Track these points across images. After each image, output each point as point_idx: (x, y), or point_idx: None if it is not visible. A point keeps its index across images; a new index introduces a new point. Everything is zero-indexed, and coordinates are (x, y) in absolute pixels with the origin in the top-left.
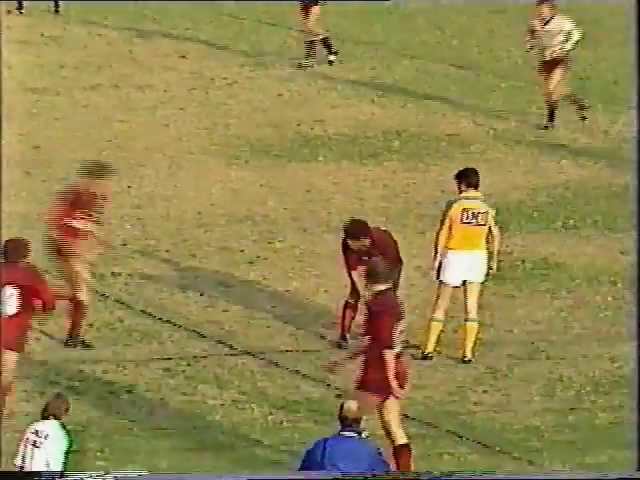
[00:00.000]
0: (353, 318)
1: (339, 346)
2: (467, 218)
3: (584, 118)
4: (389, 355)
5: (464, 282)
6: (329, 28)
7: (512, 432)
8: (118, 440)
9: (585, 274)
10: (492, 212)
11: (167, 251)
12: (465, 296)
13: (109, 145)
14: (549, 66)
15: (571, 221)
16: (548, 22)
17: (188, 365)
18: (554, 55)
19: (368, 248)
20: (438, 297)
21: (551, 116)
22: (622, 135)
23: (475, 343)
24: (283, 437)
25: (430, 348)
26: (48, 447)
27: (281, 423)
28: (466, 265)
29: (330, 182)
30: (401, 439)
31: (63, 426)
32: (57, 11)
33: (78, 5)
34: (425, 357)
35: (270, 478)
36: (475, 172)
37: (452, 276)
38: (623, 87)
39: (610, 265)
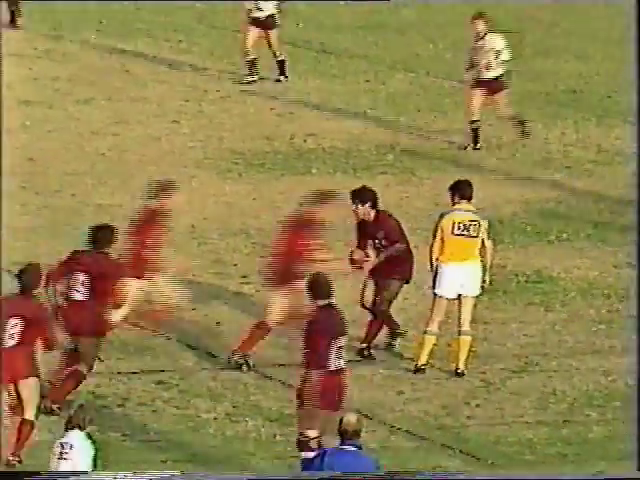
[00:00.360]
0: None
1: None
2: (458, 230)
3: (467, 146)
4: (313, 375)
5: (459, 295)
6: (323, 42)
7: (505, 445)
8: (110, 453)
9: (579, 287)
10: (484, 224)
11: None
12: (459, 309)
13: (102, 158)
14: (483, 83)
15: (564, 234)
16: (482, 38)
17: (181, 378)
18: (488, 74)
19: (373, 230)
20: (433, 310)
21: (522, 128)
22: (615, 148)
23: (468, 356)
24: (276, 450)
25: (423, 361)
26: (74, 457)
27: (274, 436)
28: (460, 277)
29: None
30: None
31: (88, 436)
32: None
33: (71, 18)
34: (418, 370)
35: (276, 478)
36: (469, 184)
37: (446, 288)
38: (616, 100)
39: (604, 278)
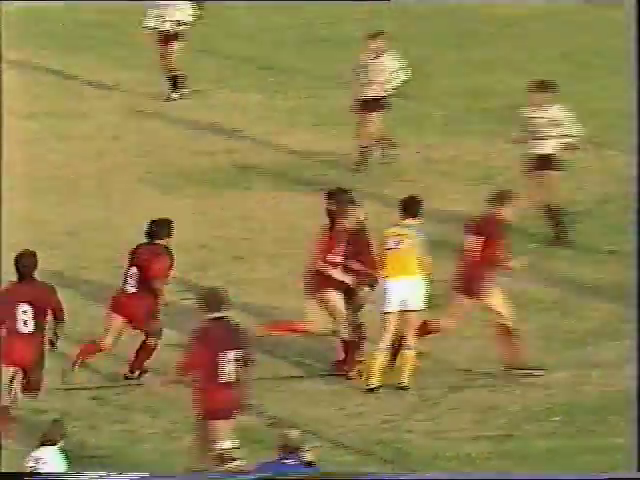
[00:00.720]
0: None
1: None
2: (391, 244)
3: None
4: (194, 384)
5: (403, 310)
6: (267, 57)
7: (445, 460)
8: None
9: (518, 302)
10: (419, 238)
11: (100, 279)
12: (403, 324)
13: (44, 173)
14: (369, 104)
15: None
16: (378, 57)
17: (119, 394)
18: (377, 93)
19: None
20: (383, 326)
21: (363, 156)
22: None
23: (411, 370)
24: None
25: (375, 381)
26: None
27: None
28: (401, 293)
29: (265, 211)
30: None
31: (62, 450)
32: None
33: (14, 33)
34: (370, 390)
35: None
36: (414, 200)
37: (391, 303)
38: None
39: (542, 293)
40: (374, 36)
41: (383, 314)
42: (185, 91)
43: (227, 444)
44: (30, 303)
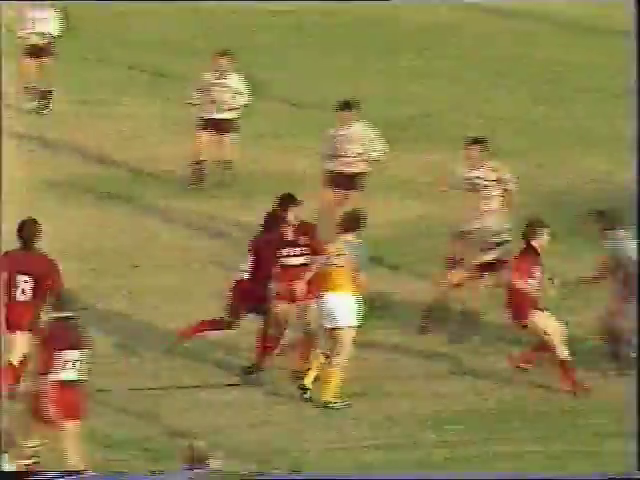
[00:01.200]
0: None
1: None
2: (326, 260)
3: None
4: (40, 382)
5: (335, 326)
6: (158, 64)
7: (344, 469)
8: None
9: (418, 312)
10: (355, 254)
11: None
12: (335, 340)
13: None
14: (213, 123)
15: (407, 258)
16: (222, 77)
17: (14, 403)
18: (224, 113)
19: (294, 235)
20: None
21: (199, 175)
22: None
23: (336, 386)
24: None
25: (308, 382)
26: None
27: (108, 461)
28: (335, 308)
29: (160, 219)
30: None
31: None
32: None
33: None
34: (304, 389)
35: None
36: (354, 215)
37: (323, 318)
38: (466, 126)
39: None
40: (220, 55)
41: (319, 327)
42: (49, 106)
43: (33, 442)
44: (29, 274)
